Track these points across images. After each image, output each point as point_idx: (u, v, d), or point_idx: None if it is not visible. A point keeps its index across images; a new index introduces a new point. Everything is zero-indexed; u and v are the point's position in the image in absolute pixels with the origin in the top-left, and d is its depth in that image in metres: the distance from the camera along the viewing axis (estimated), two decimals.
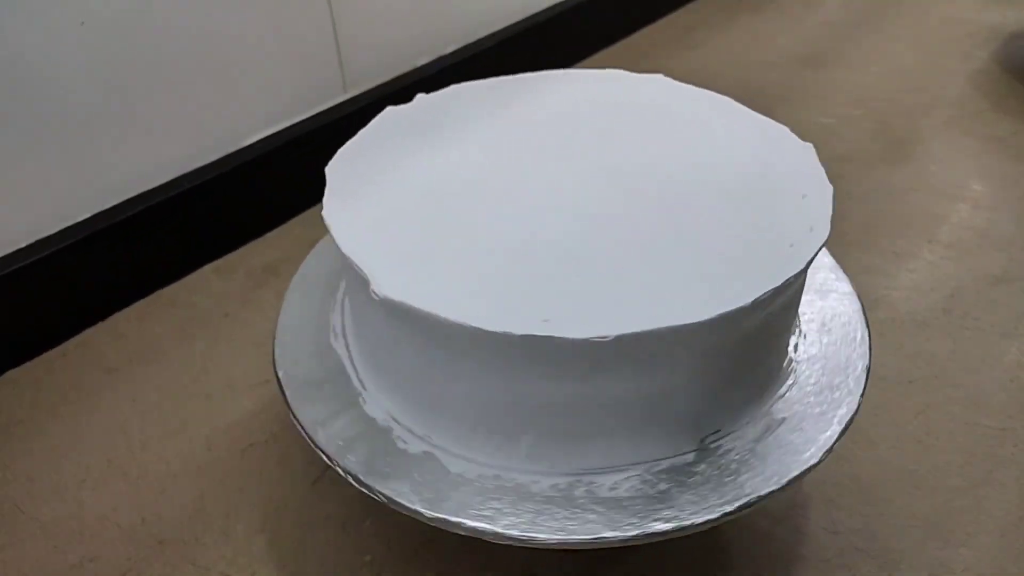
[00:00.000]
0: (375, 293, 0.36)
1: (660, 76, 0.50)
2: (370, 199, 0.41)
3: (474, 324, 0.34)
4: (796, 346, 0.43)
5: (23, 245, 0.62)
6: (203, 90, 0.68)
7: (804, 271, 0.36)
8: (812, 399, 0.40)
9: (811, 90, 0.96)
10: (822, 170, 0.41)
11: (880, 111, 0.91)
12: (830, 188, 0.40)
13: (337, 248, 0.39)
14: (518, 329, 0.33)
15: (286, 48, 0.73)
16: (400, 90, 0.81)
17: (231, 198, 0.72)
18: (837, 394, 0.40)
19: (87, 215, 0.64)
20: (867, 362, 0.42)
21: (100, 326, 0.66)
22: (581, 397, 0.36)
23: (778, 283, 0.35)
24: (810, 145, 0.43)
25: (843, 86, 0.97)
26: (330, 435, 0.40)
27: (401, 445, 0.39)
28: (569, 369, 0.35)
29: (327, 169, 0.43)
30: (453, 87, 0.51)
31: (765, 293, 0.34)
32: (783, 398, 0.41)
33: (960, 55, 1.03)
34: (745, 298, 0.34)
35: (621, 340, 0.33)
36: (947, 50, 1.04)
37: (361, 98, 0.80)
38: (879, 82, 0.98)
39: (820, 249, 0.37)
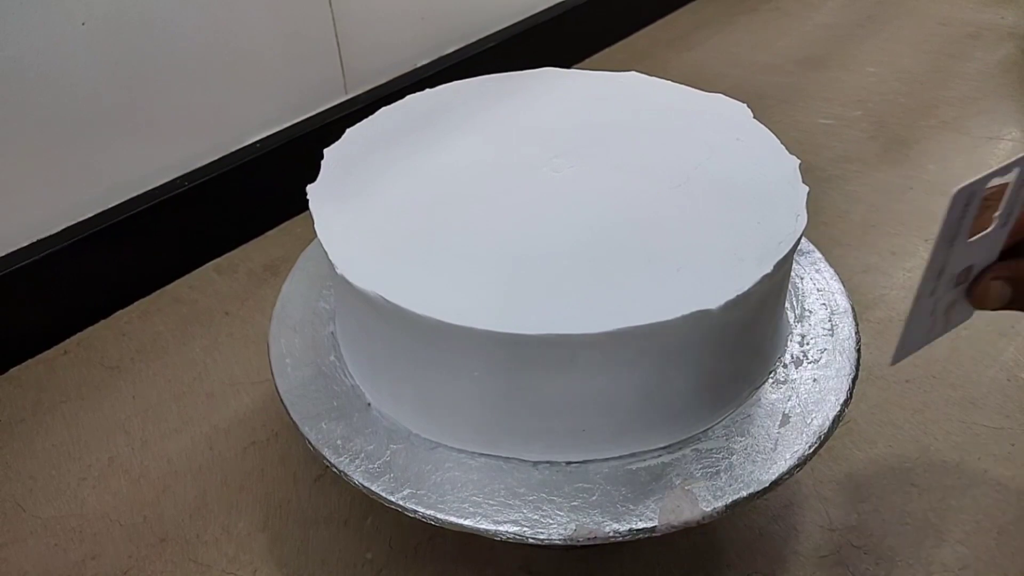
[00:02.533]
0: (350, 283, 0.36)
1: (634, 73, 0.51)
2: (358, 198, 0.42)
3: (457, 322, 0.34)
4: (785, 346, 0.44)
5: (24, 244, 0.62)
6: (204, 90, 0.68)
7: (778, 269, 0.37)
8: (803, 396, 0.41)
9: (811, 91, 0.96)
10: (799, 176, 0.42)
11: (879, 111, 0.91)
12: (804, 190, 0.40)
13: (326, 252, 0.39)
14: (506, 328, 0.34)
15: (287, 48, 0.73)
16: (400, 91, 0.81)
17: (232, 197, 0.72)
18: (824, 393, 0.41)
19: (88, 215, 0.65)
20: (854, 370, 0.42)
21: (101, 324, 0.66)
22: (571, 393, 0.36)
23: (751, 284, 0.35)
24: (793, 158, 0.44)
25: (842, 87, 0.97)
26: (327, 436, 0.40)
27: (397, 443, 0.40)
28: (558, 364, 0.35)
29: (323, 162, 0.44)
30: (445, 86, 0.51)
31: (738, 295, 0.35)
32: (774, 393, 0.41)
33: (959, 55, 1.03)
34: (716, 300, 0.35)
35: (607, 336, 0.34)
36: (946, 50, 1.05)
37: (362, 98, 0.80)
38: (878, 83, 0.98)
39: (793, 249, 0.38)
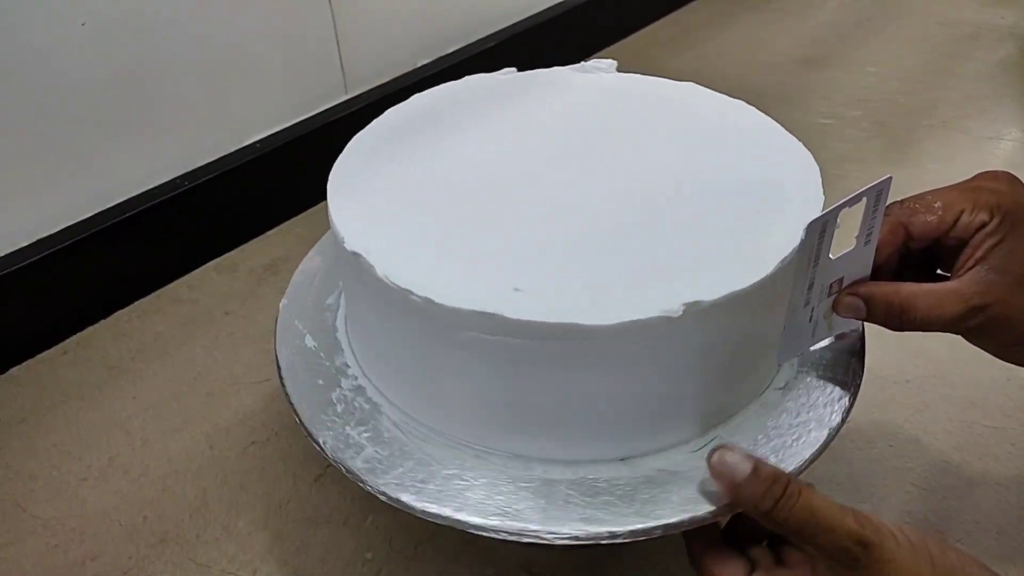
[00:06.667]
0: (382, 278, 0.36)
1: (660, 79, 0.51)
2: (373, 191, 0.42)
3: (467, 307, 0.34)
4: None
5: (24, 244, 0.62)
6: (204, 90, 0.68)
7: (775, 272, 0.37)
8: (812, 396, 0.41)
9: (811, 90, 0.97)
10: (817, 171, 0.42)
11: (880, 111, 0.91)
12: (821, 195, 0.40)
13: (338, 239, 0.39)
14: (517, 315, 0.33)
15: (287, 48, 0.73)
16: (401, 90, 0.81)
17: (232, 197, 0.72)
18: (832, 394, 0.41)
19: (88, 215, 0.65)
20: (859, 369, 0.42)
21: (102, 324, 0.66)
22: (580, 390, 0.36)
23: (758, 278, 0.35)
24: (805, 150, 0.43)
25: (843, 86, 0.97)
26: (330, 431, 0.40)
27: (400, 439, 0.40)
28: (568, 358, 0.35)
29: (335, 165, 0.44)
30: (456, 82, 0.51)
31: (750, 285, 0.35)
32: (780, 395, 0.41)
33: (960, 55, 1.03)
34: (734, 288, 0.34)
35: (621, 328, 0.33)
36: (947, 50, 1.05)
37: (362, 98, 0.80)
38: (879, 82, 0.98)
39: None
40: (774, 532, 0.35)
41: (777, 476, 0.32)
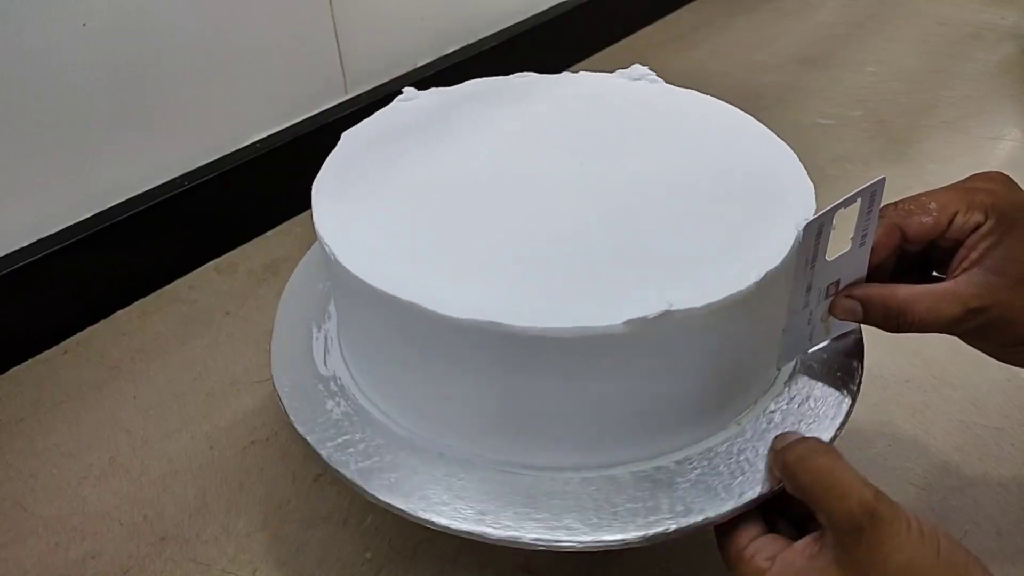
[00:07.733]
0: (363, 281, 0.36)
1: (649, 82, 0.51)
2: (359, 194, 0.42)
3: (459, 315, 0.34)
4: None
5: (24, 244, 0.62)
6: (204, 90, 0.68)
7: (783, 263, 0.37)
8: (817, 396, 0.41)
9: (811, 90, 0.97)
10: (804, 172, 0.42)
11: (879, 111, 0.91)
12: (811, 188, 0.40)
13: (321, 241, 0.39)
14: (509, 322, 0.33)
15: (287, 48, 0.73)
16: (400, 91, 0.81)
17: (232, 197, 0.72)
18: (831, 394, 0.41)
19: (88, 215, 0.65)
20: (858, 370, 0.42)
21: (102, 324, 0.66)
22: (572, 396, 0.36)
23: (763, 273, 0.35)
24: (788, 149, 0.44)
25: (842, 86, 0.97)
26: (325, 436, 0.40)
27: (394, 444, 0.40)
28: (562, 364, 0.35)
29: (325, 164, 0.44)
30: (458, 86, 0.51)
31: (748, 287, 0.35)
32: (779, 399, 0.41)
33: (960, 55, 1.03)
34: (733, 288, 0.34)
35: (614, 332, 0.33)
36: (947, 50, 1.05)
37: (362, 98, 0.80)
38: (878, 82, 0.98)
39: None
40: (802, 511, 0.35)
41: (805, 437, 0.34)
